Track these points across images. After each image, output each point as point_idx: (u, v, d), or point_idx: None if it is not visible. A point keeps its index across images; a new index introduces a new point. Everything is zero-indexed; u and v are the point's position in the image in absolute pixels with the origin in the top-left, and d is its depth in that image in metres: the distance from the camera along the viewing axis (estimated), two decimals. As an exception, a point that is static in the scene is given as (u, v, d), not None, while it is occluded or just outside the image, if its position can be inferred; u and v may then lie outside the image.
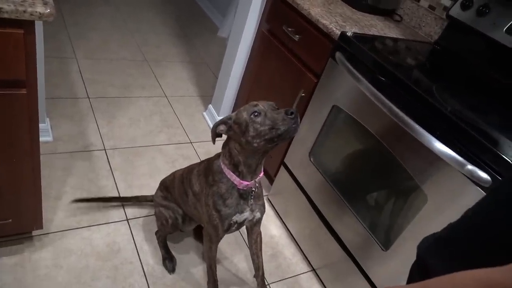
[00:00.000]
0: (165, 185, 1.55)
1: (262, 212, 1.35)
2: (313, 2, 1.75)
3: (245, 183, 1.19)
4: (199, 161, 1.45)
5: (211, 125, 2.40)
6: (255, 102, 1.11)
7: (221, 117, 2.38)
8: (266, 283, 1.64)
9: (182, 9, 4.02)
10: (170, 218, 1.50)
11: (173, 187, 1.48)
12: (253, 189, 1.23)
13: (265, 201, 2.02)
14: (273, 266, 1.73)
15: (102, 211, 1.69)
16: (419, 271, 0.76)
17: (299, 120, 1.05)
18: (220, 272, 1.56)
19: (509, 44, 1.48)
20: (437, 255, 0.72)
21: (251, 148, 1.11)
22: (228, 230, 1.30)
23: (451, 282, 0.52)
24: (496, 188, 0.71)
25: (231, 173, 1.19)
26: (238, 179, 1.19)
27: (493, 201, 0.67)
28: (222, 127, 1.15)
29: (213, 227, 1.27)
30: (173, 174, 1.53)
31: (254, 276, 1.48)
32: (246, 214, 1.28)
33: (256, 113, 1.06)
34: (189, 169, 1.40)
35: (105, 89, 2.44)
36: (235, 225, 1.30)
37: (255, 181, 1.22)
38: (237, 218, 1.27)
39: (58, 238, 1.53)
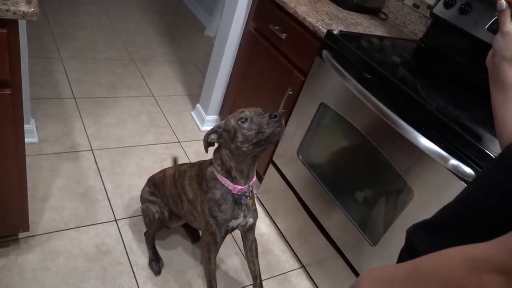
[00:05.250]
0: (154, 182, 1.55)
1: (255, 217, 1.36)
2: (300, 1, 1.76)
3: (239, 187, 1.21)
4: (189, 161, 1.44)
5: (199, 124, 2.41)
6: (242, 109, 1.14)
7: (209, 116, 2.39)
8: (256, 281, 1.65)
9: (169, 9, 4.00)
10: (157, 212, 1.50)
11: (164, 186, 1.48)
12: (247, 193, 1.25)
13: (255, 199, 2.03)
14: (263, 264, 1.73)
15: (90, 212, 1.68)
16: (409, 255, 0.77)
17: (283, 123, 1.09)
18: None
19: (491, 41, 1.51)
20: (424, 237, 0.74)
21: (241, 153, 1.14)
22: (225, 236, 1.31)
23: (437, 259, 0.53)
24: (483, 174, 0.71)
25: (225, 178, 1.21)
26: (232, 184, 1.21)
27: (480, 187, 0.68)
28: (213, 136, 1.18)
29: (211, 234, 1.28)
30: (163, 171, 1.53)
31: (253, 285, 1.48)
32: (240, 220, 1.30)
33: (243, 119, 1.10)
34: (181, 172, 1.39)
35: (92, 89, 2.42)
36: (230, 231, 1.31)
37: (248, 185, 1.24)
38: (233, 223, 1.28)
39: (45, 240, 1.52)
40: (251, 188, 1.27)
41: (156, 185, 1.53)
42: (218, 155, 1.22)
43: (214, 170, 1.23)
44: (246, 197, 1.26)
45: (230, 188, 1.21)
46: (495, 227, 0.56)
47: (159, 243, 1.64)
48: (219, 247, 1.33)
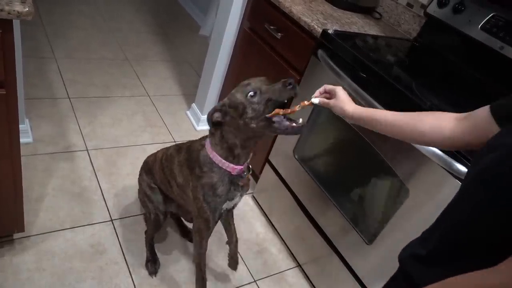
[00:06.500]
0: (149, 167, 1.50)
1: (246, 191, 1.31)
2: (294, 0, 1.76)
3: (239, 167, 1.15)
4: (174, 144, 1.40)
5: (195, 124, 2.41)
6: (246, 81, 1.07)
7: (205, 116, 2.38)
8: (252, 280, 1.66)
9: (163, 8, 3.99)
10: (153, 213, 1.49)
11: (155, 170, 1.43)
12: (245, 172, 1.20)
13: (250, 199, 2.04)
14: (259, 263, 1.74)
15: (86, 212, 1.67)
16: (404, 278, 0.77)
17: (298, 89, 1.02)
18: (207, 267, 1.56)
19: (484, 40, 1.52)
20: (420, 269, 0.72)
21: (249, 129, 1.06)
22: (218, 220, 1.27)
23: None
24: (463, 193, 0.69)
25: (223, 160, 1.14)
26: (231, 165, 1.14)
27: (467, 208, 0.65)
28: (217, 115, 1.10)
29: (204, 220, 1.23)
30: (155, 155, 1.48)
31: (227, 243, 1.41)
32: (236, 200, 1.26)
33: (251, 94, 1.02)
34: (168, 156, 1.34)
35: (86, 89, 2.40)
36: (224, 213, 1.28)
37: (247, 163, 1.19)
38: (227, 205, 1.24)
39: (41, 241, 1.51)
40: (248, 165, 1.21)
41: (151, 170, 1.48)
42: (218, 133, 1.13)
43: (209, 153, 1.15)
44: (244, 175, 1.20)
45: (229, 169, 1.14)
46: (493, 249, 0.54)
47: (158, 242, 1.64)
48: (212, 231, 1.29)
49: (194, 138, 1.30)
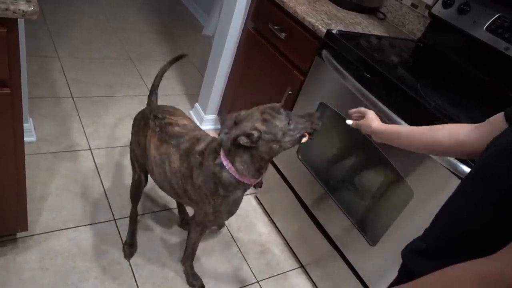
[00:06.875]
0: (143, 146, 1.39)
1: None
2: (299, 0, 1.76)
3: (259, 180, 1.24)
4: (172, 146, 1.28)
5: (198, 124, 2.40)
6: (281, 109, 1.13)
7: (208, 116, 2.38)
8: (255, 280, 1.65)
9: (166, 8, 3.99)
10: (136, 172, 1.47)
11: (150, 168, 1.37)
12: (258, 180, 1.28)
13: (253, 199, 2.04)
14: (262, 263, 1.73)
15: (89, 212, 1.67)
16: (406, 273, 0.77)
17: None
18: (209, 268, 1.57)
19: (489, 41, 1.52)
20: (422, 264, 0.72)
21: (282, 149, 1.15)
22: None
23: (443, 278, 0.51)
24: (461, 190, 0.69)
25: (252, 179, 1.19)
26: (253, 179, 1.20)
27: (466, 204, 0.66)
28: (245, 140, 1.08)
29: (219, 225, 1.33)
30: (145, 138, 1.34)
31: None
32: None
33: (289, 122, 1.12)
34: (175, 171, 1.27)
35: (89, 88, 2.41)
36: None
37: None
38: None
39: (43, 240, 1.51)
40: None
41: (144, 150, 1.38)
42: (247, 157, 1.14)
43: (236, 176, 1.17)
44: (260, 182, 1.29)
45: (251, 183, 1.22)
46: (490, 246, 0.54)
47: (161, 241, 1.64)
48: None
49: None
